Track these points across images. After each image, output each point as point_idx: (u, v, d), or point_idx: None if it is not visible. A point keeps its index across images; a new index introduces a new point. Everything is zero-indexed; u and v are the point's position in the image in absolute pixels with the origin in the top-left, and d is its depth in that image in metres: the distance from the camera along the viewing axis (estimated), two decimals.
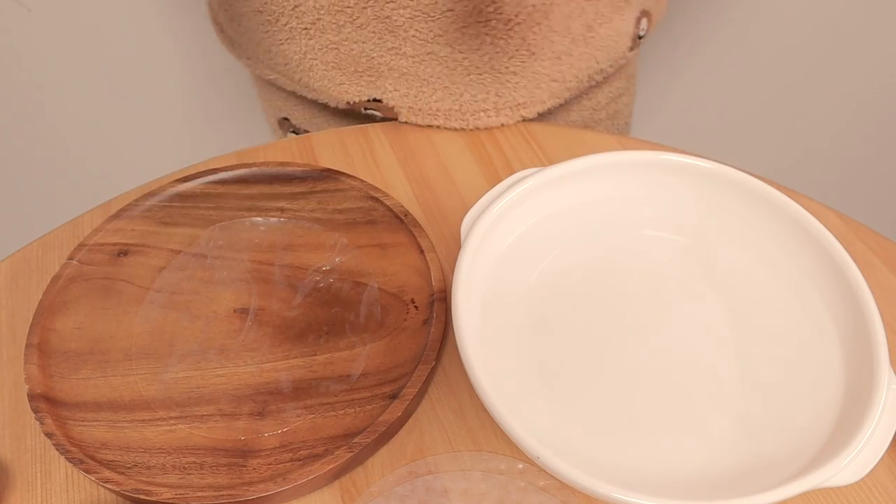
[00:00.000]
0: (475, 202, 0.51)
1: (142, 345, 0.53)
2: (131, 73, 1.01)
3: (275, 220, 0.60)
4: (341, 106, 0.69)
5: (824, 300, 0.48)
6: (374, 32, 0.62)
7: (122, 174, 0.78)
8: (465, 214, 0.50)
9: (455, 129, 0.67)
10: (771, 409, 0.45)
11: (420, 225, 0.58)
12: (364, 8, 0.61)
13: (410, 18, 0.61)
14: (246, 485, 0.45)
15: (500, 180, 0.52)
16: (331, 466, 0.45)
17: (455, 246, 0.59)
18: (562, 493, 0.45)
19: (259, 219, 0.60)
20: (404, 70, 0.64)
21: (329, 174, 0.62)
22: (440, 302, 0.53)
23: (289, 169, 0.62)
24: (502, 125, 0.67)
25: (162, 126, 0.74)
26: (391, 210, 0.59)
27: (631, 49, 0.70)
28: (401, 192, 0.63)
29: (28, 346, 0.51)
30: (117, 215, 0.59)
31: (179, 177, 0.62)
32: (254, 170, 0.62)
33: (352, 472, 0.47)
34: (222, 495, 0.44)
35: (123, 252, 0.57)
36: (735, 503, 0.38)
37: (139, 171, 0.68)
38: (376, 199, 0.60)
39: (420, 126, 0.69)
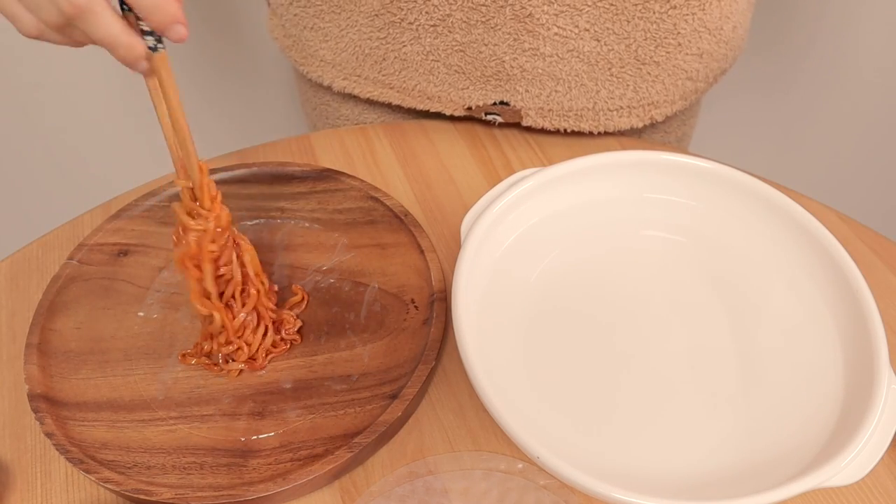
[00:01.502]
0: (475, 202, 0.51)
1: (142, 345, 0.53)
2: (131, 73, 1.01)
3: (275, 220, 0.60)
4: (458, 113, 0.66)
5: (824, 300, 0.48)
6: (509, 34, 0.60)
7: (122, 174, 0.78)
8: (465, 214, 0.50)
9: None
10: (771, 409, 0.45)
11: (420, 225, 0.58)
12: (502, 7, 0.58)
13: (555, 15, 0.58)
14: (246, 485, 0.45)
15: (500, 180, 0.52)
16: (331, 466, 0.45)
17: (455, 246, 0.59)
18: (562, 491, 0.45)
19: (259, 219, 0.60)
20: (539, 71, 0.62)
21: (329, 174, 0.62)
22: (440, 302, 0.53)
23: (289, 169, 0.62)
24: (631, 128, 0.66)
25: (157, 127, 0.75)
26: (391, 210, 0.59)
27: None
28: (401, 192, 0.63)
29: (28, 346, 0.51)
30: (117, 215, 0.59)
31: None
32: (254, 170, 0.62)
33: (352, 472, 0.47)
34: (222, 495, 0.44)
35: (123, 252, 0.57)
36: (735, 503, 0.38)
37: (139, 171, 0.68)
38: (376, 199, 0.60)
39: (420, 126, 0.68)
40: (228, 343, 0.50)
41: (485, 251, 0.49)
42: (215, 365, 0.51)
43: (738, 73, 1.13)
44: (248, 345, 0.51)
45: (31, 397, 0.49)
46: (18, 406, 0.51)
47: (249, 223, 0.59)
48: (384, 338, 0.53)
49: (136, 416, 0.49)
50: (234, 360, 0.51)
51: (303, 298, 0.54)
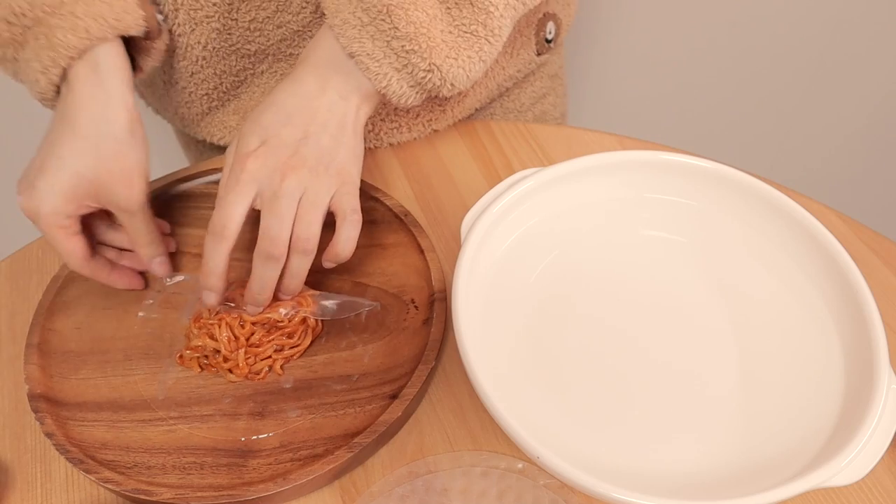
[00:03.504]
0: (475, 202, 0.51)
1: (142, 345, 0.53)
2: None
3: None
4: None
5: (824, 300, 0.48)
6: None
7: None
8: (465, 214, 0.50)
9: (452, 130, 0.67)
10: (771, 409, 0.45)
11: (420, 225, 0.58)
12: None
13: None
14: (246, 485, 0.45)
15: (500, 180, 0.52)
16: (331, 466, 0.45)
17: (455, 246, 0.59)
18: (562, 491, 0.45)
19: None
20: None
21: None
22: (440, 302, 0.53)
23: None
24: (415, 139, 0.66)
25: (162, 126, 0.74)
26: (391, 210, 0.59)
27: (539, 53, 0.70)
28: (401, 192, 0.63)
29: (28, 346, 0.51)
30: None
31: (179, 177, 0.62)
32: None
33: (352, 472, 0.47)
34: (222, 495, 0.44)
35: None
36: (735, 503, 0.38)
37: None
38: (376, 199, 0.60)
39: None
40: (226, 360, 0.51)
41: (485, 251, 0.49)
42: (212, 366, 0.51)
43: (739, 73, 1.13)
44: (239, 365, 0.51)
45: (31, 397, 0.49)
46: (18, 406, 0.51)
47: (249, 224, 0.59)
48: (384, 338, 0.53)
49: (136, 416, 0.49)
50: (231, 373, 0.51)
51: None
